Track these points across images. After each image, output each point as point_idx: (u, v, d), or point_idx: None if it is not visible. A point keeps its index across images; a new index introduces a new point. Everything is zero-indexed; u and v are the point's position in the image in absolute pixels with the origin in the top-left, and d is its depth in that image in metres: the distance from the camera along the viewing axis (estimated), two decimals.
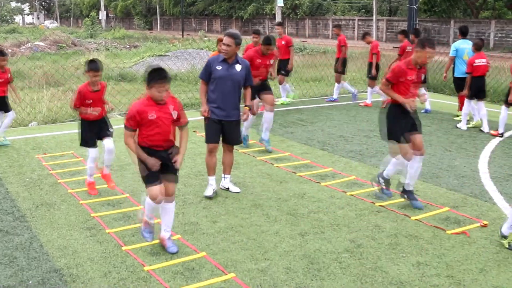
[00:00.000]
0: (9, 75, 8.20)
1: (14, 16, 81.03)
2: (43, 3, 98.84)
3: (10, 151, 8.02)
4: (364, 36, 12.44)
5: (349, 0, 46.44)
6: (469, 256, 4.66)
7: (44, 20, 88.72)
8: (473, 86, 9.66)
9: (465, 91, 9.77)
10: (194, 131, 9.01)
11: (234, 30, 6.18)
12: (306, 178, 6.80)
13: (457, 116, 10.87)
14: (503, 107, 9.18)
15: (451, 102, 12.20)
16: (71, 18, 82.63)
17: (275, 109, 8.86)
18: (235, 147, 6.47)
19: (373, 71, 12.10)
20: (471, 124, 9.97)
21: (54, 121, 10.52)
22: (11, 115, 8.35)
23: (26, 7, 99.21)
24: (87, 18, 48.82)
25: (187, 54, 19.70)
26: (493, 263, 4.54)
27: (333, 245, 4.86)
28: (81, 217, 5.48)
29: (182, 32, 49.01)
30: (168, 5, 62.84)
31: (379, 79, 12.61)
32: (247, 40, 10.81)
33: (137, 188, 6.33)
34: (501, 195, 6.24)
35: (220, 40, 7.66)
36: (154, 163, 4.43)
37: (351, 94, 13.02)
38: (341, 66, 12.62)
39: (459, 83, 10.44)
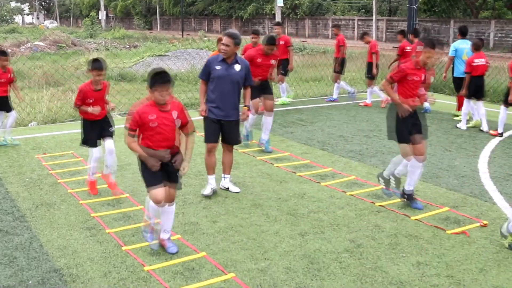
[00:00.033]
0: (10, 75, 8.20)
1: (14, 16, 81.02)
2: (43, 3, 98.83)
3: (10, 151, 8.02)
4: (363, 36, 12.45)
5: (349, 0, 46.44)
6: (469, 256, 4.66)
7: (44, 20, 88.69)
8: (472, 86, 9.67)
9: (463, 91, 9.79)
10: (193, 131, 9.00)
11: (233, 30, 6.17)
12: (306, 178, 6.80)
13: (456, 116, 10.88)
14: (502, 107, 9.19)
15: (450, 102, 12.19)
16: (71, 18, 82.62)
17: (275, 109, 8.86)
18: (235, 147, 6.47)
19: (374, 70, 12.10)
20: (471, 123, 9.98)
21: (54, 121, 10.52)
22: (13, 115, 8.35)
23: (25, 7, 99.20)
24: (86, 18, 48.85)
25: (187, 54, 19.70)
26: (493, 263, 4.54)
27: (333, 245, 4.86)
28: (81, 217, 5.48)
29: (182, 32, 49.01)
30: (168, 5, 62.83)
31: (377, 79, 12.64)
32: (247, 40, 10.80)
33: (137, 188, 6.33)
34: (501, 195, 6.25)
35: (220, 40, 7.62)
36: (153, 163, 4.40)
37: (349, 94, 13.04)
38: (339, 66, 12.63)
39: (458, 83, 10.45)
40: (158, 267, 4.40)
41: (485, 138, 9.13)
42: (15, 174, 6.93)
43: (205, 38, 32.98)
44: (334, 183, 6.62)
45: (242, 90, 6.23)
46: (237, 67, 6.03)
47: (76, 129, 9.41)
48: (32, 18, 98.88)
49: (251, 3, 50.59)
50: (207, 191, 6.14)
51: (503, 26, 32.34)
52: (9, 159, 7.61)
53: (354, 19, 42.56)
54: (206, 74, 6.07)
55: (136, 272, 4.33)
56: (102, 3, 63.88)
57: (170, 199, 4.57)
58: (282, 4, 18.46)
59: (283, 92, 12.48)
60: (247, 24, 50.87)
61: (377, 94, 12.29)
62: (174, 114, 4.45)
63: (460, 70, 10.45)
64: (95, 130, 5.99)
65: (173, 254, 4.62)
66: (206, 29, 56.40)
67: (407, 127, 5.60)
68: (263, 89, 7.96)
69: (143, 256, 4.60)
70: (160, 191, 4.42)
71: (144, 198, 6.00)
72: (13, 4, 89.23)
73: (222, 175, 6.36)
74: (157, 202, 4.44)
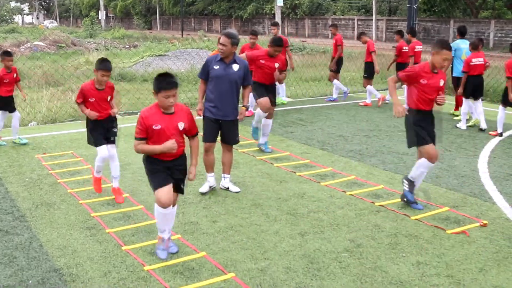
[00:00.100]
0: (15, 75, 8.25)
1: (14, 16, 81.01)
2: (43, 3, 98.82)
3: (10, 151, 8.02)
4: (360, 36, 12.46)
5: (349, 0, 46.44)
6: (468, 255, 4.66)
7: (44, 20, 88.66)
8: (470, 85, 9.68)
9: (460, 90, 9.82)
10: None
11: (232, 30, 6.17)
12: (305, 178, 6.80)
13: (455, 115, 10.89)
14: (500, 107, 9.22)
15: (450, 102, 12.17)
16: (71, 18, 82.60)
17: (275, 109, 8.84)
18: (234, 146, 6.47)
19: (376, 68, 12.10)
20: (470, 122, 10.00)
21: (54, 121, 10.52)
22: (17, 115, 8.38)
23: (25, 7, 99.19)
24: (86, 18, 48.84)
25: (187, 54, 19.68)
26: (492, 262, 4.54)
27: (332, 244, 4.86)
28: (81, 217, 5.48)
29: (182, 32, 48.97)
30: (168, 4, 62.82)
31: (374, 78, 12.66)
32: (247, 40, 10.80)
33: (137, 188, 6.33)
34: (501, 194, 6.25)
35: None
36: (171, 145, 4.25)
37: (343, 93, 13.07)
38: (335, 65, 12.63)
39: (457, 82, 10.46)
40: (158, 267, 4.40)
41: (485, 138, 9.14)
42: (15, 174, 6.93)
43: (205, 38, 32.95)
44: (334, 182, 6.62)
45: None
46: (235, 67, 6.03)
47: (76, 129, 9.42)
48: (32, 18, 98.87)
49: (251, 3, 50.58)
50: (204, 188, 6.15)
51: (503, 26, 32.35)
52: (9, 159, 7.61)
53: (354, 19, 42.55)
54: (205, 73, 6.08)
55: (136, 272, 4.32)
56: (101, 3, 63.89)
57: (173, 203, 4.54)
58: (282, 4, 18.49)
59: (283, 92, 12.49)
60: (247, 24, 50.87)
61: (372, 93, 12.28)
62: (180, 118, 4.35)
63: (459, 69, 10.47)
64: (98, 130, 5.90)
65: (173, 254, 4.62)
66: (206, 29, 56.40)
67: (427, 132, 5.54)
68: (268, 92, 7.76)
69: (143, 256, 4.60)
70: (166, 192, 4.31)
71: (144, 198, 6.02)
72: (12, 4, 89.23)
73: (222, 175, 6.36)
74: (163, 203, 4.31)
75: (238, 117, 6.16)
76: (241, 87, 6.21)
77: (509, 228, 5.25)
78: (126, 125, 9.35)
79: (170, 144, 4.26)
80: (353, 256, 4.63)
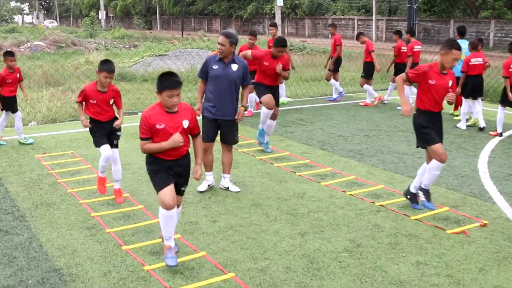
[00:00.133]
0: (18, 75, 8.27)
1: (14, 16, 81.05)
2: (43, 3, 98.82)
3: (10, 151, 8.02)
4: (358, 36, 12.47)
5: (349, 0, 46.44)
6: (468, 255, 4.66)
7: (44, 20, 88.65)
8: (469, 85, 9.69)
9: (458, 89, 9.81)
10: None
11: (231, 29, 6.16)
12: (305, 178, 6.80)
13: (455, 115, 10.90)
14: (500, 107, 9.23)
15: None
16: (71, 18, 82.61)
17: None
18: (234, 146, 6.46)
19: (377, 67, 12.09)
20: (470, 122, 10.01)
21: (54, 120, 10.53)
22: (18, 116, 8.39)
23: (25, 6, 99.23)
24: (86, 17, 48.83)
25: (187, 54, 19.69)
26: (492, 262, 4.54)
27: (332, 244, 4.86)
28: (80, 217, 5.48)
29: (182, 32, 48.98)
30: (168, 4, 62.82)
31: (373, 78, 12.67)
32: (247, 40, 10.80)
33: (137, 188, 6.33)
34: (501, 194, 6.25)
35: None
36: (177, 139, 4.24)
37: (339, 93, 13.07)
38: (333, 65, 12.63)
39: (457, 82, 10.45)
40: (158, 267, 4.40)
41: (485, 138, 9.14)
42: (15, 173, 6.93)
43: (205, 38, 32.98)
44: (334, 182, 6.62)
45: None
46: (234, 67, 6.03)
47: (76, 129, 9.42)
48: (32, 18, 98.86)
49: (251, 3, 50.58)
50: (202, 187, 6.16)
51: (503, 26, 32.35)
52: (9, 159, 7.61)
53: (354, 19, 42.55)
54: (204, 73, 6.08)
55: (136, 272, 4.32)
56: (102, 3, 63.85)
57: (177, 204, 4.52)
58: (282, 4, 18.45)
59: (283, 92, 12.49)
60: (247, 24, 50.88)
61: (369, 92, 12.27)
62: (184, 117, 4.33)
63: (458, 69, 10.45)
64: (101, 131, 5.86)
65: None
66: (206, 29, 56.40)
67: (435, 132, 5.51)
68: (272, 93, 7.74)
69: (143, 256, 4.60)
70: (169, 192, 4.28)
71: (144, 198, 6.02)
72: (13, 3, 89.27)
73: (222, 174, 6.35)
74: (167, 204, 4.27)
75: (236, 117, 6.11)
76: (240, 87, 6.21)
77: (509, 228, 5.25)
78: (126, 125, 9.34)
79: (176, 138, 4.25)
80: (353, 256, 4.63)
